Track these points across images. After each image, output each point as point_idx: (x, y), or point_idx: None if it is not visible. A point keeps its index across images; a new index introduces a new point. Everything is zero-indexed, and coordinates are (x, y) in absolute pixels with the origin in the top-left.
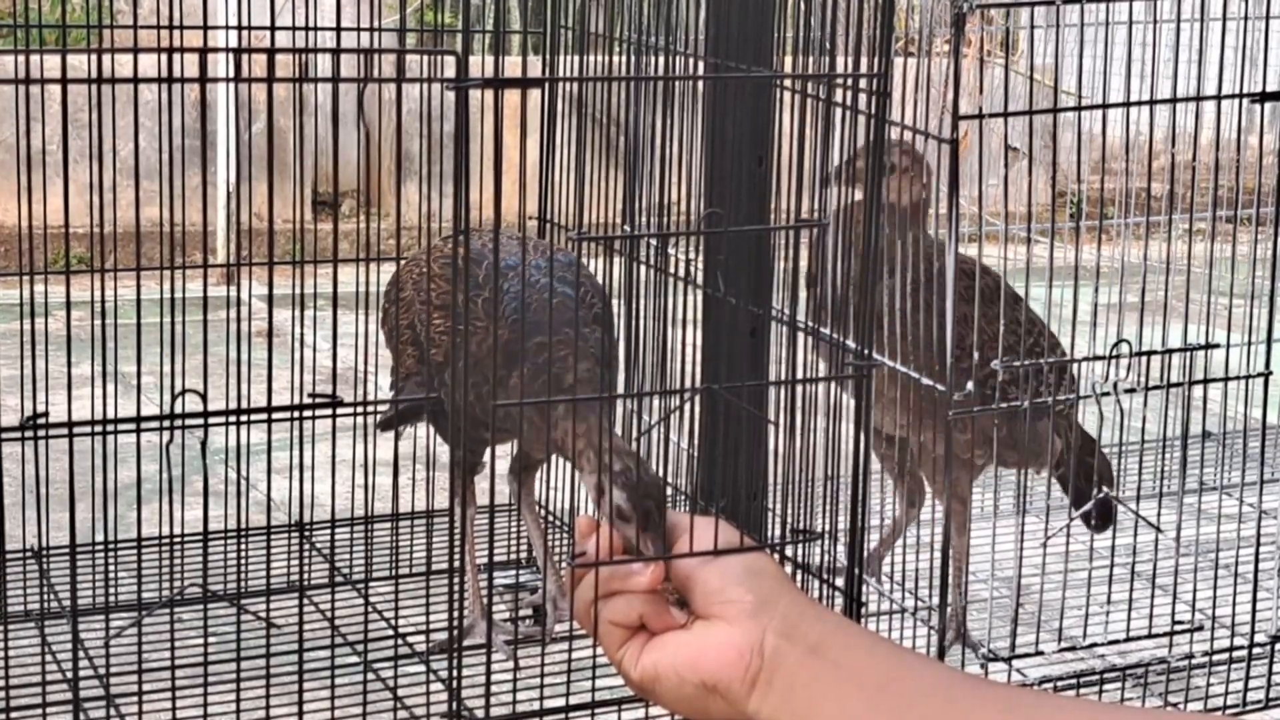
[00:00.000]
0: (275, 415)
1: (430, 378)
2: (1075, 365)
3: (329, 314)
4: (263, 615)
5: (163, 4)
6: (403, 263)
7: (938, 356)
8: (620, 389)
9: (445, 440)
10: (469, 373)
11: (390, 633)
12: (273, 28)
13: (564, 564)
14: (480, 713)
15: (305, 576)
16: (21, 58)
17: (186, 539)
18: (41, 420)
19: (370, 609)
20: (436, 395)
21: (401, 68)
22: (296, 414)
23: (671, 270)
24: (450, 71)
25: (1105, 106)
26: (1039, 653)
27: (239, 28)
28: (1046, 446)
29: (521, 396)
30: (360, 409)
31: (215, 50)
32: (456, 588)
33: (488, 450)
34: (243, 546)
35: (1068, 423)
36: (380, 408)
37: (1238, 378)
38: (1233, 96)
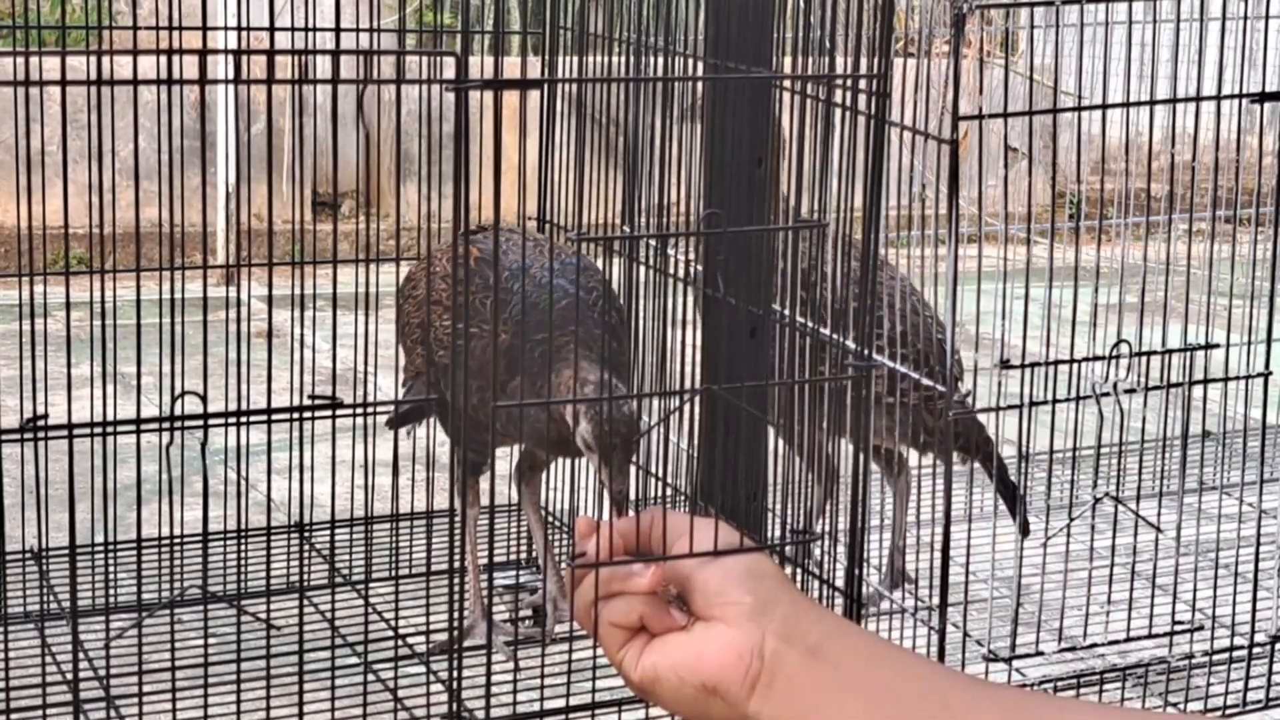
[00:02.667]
0: (275, 416)
1: (437, 378)
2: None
3: (329, 315)
4: (263, 616)
5: (162, 5)
6: (419, 259)
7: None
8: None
9: (453, 439)
10: (473, 374)
11: (390, 634)
12: (272, 29)
13: (565, 564)
14: (480, 714)
15: (305, 577)
16: (21, 59)
17: (186, 540)
18: (41, 421)
19: (370, 610)
20: (436, 396)
21: (401, 69)
22: (296, 415)
23: (671, 271)
24: (450, 72)
25: (1105, 107)
26: (1039, 653)
27: (238, 29)
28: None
29: (522, 398)
30: (360, 410)
31: (215, 51)
32: (456, 588)
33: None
34: (243, 547)
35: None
36: (381, 408)
37: (1237, 378)
38: (1232, 97)
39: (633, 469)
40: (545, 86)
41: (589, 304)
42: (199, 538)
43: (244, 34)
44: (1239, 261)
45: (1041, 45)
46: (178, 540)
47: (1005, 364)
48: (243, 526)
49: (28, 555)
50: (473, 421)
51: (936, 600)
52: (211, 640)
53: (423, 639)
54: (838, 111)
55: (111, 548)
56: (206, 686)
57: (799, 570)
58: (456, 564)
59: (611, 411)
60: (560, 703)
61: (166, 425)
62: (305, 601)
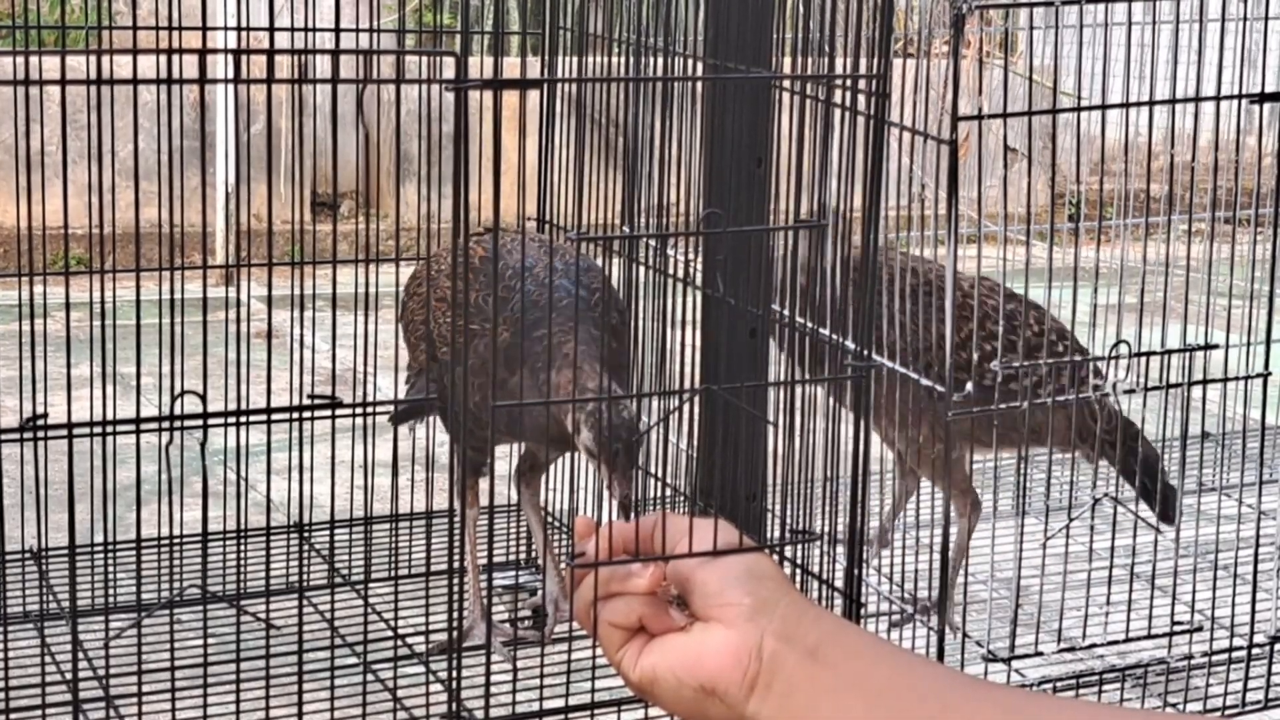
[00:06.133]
0: (275, 416)
1: (440, 375)
2: (1081, 358)
3: (328, 315)
4: (262, 616)
5: (162, 5)
6: (427, 257)
7: (935, 357)
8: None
9: (453, 437)
10: (474, 373)
11: (390, 634)
12: (271, 29)
13: (565, 564)
14: (480, 714)
15: (305, 577)
16: (21, 59)
17: (186, 540)
18: (41, 421)
19: (369, 610)
20: (434, 397)
21: (400, 69)
22: (296, 415)
23: (671, 271)
24: (449, 72)
25: (1104, 107)
26: (1038, 653)
27: (238, 29)
28: (1047, 430)
29: (522, 396)
30: (359, 410)
31: (214, 51)
32: (456, 588)
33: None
34: (242, 547)
35: (1092, 412)
36: (381, 408)
37: (1237, 378)
38: (1232, 97)
39: (635, 472)
40: (545, 86)
41: (589, 304)
42: (198, 538)
43: (244, 34)
44: (1238, 262)
45: (1041, 45)
46: (177, 540)
47: (1004, 365)
48: (242, 527)
49: (27, 555)
50: (474, 419)
51: (936, 600)
52: (211, 640)
53: (422, 639)
54: (837, 112)
55: (111, 548)
56: (206, 686)
57: (799, 570)
58: (456, 564)
59: (612, 417)
60: (559, 703)
61: (166, 425)
62: (305, 602)
